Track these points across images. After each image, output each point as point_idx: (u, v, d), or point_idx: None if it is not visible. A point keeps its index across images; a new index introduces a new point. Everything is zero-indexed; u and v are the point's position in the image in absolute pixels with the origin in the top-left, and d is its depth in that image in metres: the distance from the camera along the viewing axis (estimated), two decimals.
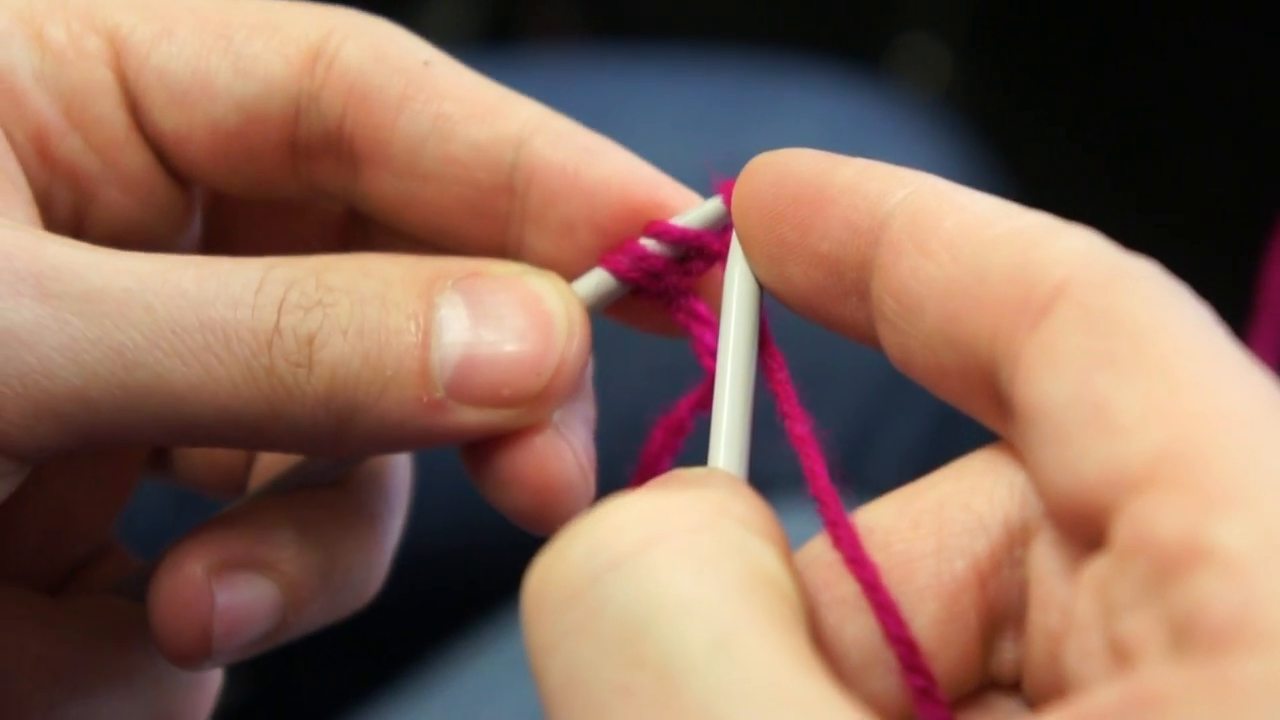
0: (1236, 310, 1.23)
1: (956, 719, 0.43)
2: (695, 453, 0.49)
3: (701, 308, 0.52)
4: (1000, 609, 0.43)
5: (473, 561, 1.07)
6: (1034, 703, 0.42)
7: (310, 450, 0.51)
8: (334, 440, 0.48)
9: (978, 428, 0.43)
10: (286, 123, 0.53)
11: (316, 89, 0.52)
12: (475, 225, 0.53)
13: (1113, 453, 0.37)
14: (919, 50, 2.23)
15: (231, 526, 0.52)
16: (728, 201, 0.50)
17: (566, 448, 0.51)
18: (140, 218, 0.54)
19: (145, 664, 0.54)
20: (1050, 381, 0.38)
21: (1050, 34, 2.28)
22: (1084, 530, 0.38)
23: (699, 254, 0.52)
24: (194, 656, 0.50)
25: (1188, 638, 0.34)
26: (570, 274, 0.52)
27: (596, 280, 0.52)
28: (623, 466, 0.53)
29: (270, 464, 0.59)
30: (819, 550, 0.44)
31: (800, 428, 0.47)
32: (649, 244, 0.52)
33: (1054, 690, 0.40)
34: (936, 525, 0.43)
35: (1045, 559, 0.41)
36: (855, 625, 0.43)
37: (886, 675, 0.42)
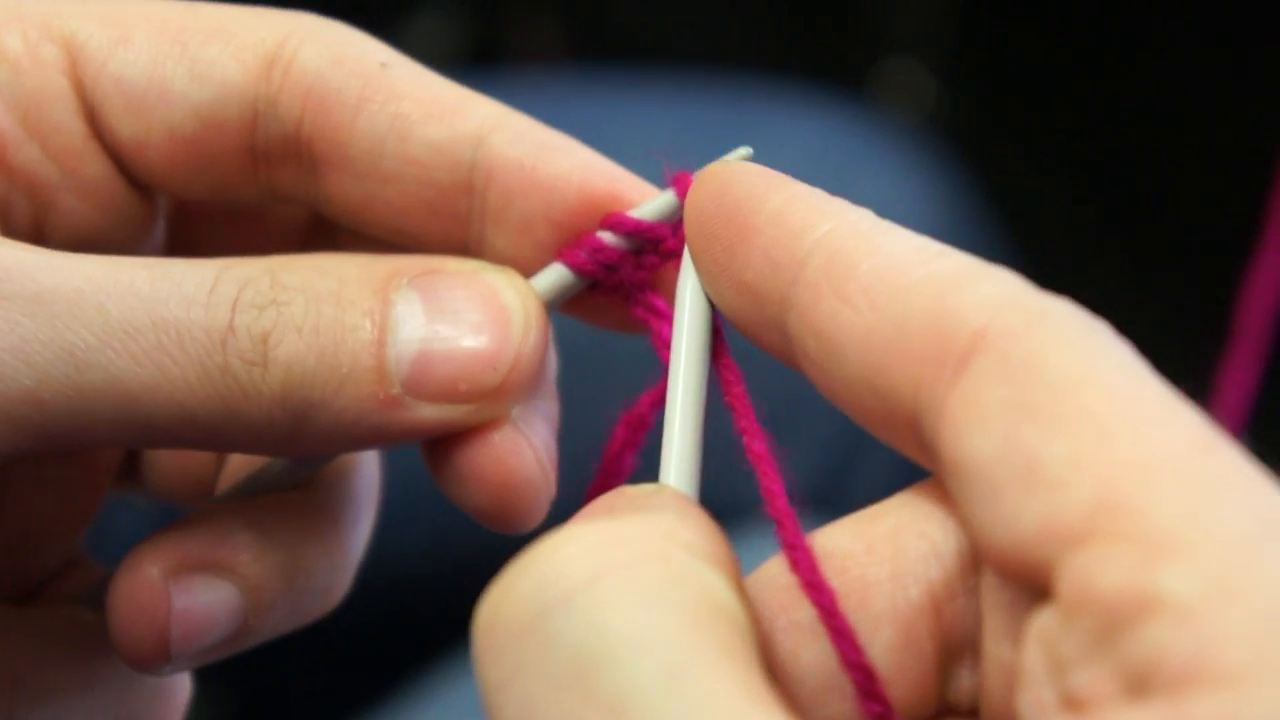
0: (1216, 332, 1.23)
1: None
2: (657, 447, 0.49)
3: (660, 302, 0.52)
4: (956, 637, 0.42)
5: (458, 584, 1.06)
6: None
7: (268, 450, 0.51)
8: (291, 439, 0.48)
9: None
10: (245, 128, 0.52)
11: (274, 93, 0.52)
12: (437, 225, 0.53)
13: (1047, 508, 0.36)
14: (903, 75, 2.24)
15: (191, 530, 0.51)
16: (681, 195, 0.50)
17: (525, 444, 0.51)
18: (100, 225, 0.54)
19: (108, 672, 0.53)
20: (976, 437, 0.38)
21: (1034, 59, 2.29)
22: (1024, 582, 0.38)
23: (654, 248, 0.52)
24: (152, 660, 0.50)
25: (1145, 686, 0.34)
26: (531, 271, 0.52)
27: (554, 275, 0.52)
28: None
29: (238, 472, 0.58)
30: (775, 572, 0.43)
31: (758, 445, 0.46)
32: (605, 237, 0.52)
33: (1010, 718, 0.40)
34: (892, 551, 0.43)
35: (996, 591, 0.41)
36: (811, 651, 0.42)
37: (842, 702, 0.42)
